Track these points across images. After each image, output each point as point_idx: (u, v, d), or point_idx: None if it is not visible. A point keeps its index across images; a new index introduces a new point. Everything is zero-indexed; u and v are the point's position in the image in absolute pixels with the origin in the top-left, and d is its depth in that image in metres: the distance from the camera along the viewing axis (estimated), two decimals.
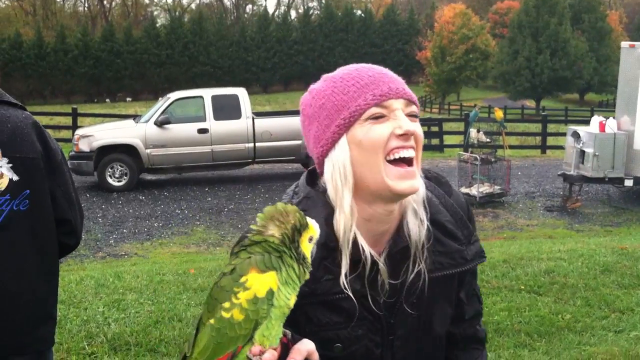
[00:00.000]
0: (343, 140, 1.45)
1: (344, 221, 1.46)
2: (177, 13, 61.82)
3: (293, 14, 64.36)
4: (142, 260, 9.42)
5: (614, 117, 14.44)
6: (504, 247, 8.76)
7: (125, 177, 14.99)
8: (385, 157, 1.42)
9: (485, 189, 13.56)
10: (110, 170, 14.93)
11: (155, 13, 68.54)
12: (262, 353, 1.26)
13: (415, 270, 1.51)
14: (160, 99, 17.05)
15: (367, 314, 1.52)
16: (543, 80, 47.58)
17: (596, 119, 14.31)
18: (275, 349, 1.29)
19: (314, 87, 1.59)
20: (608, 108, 35.40)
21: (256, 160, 16.05)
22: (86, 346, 4.94)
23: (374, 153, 1.42)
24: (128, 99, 54.66)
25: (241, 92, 16.18)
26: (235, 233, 11.22)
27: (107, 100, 53.94)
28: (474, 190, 13.38)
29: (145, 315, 5.65)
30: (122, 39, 57.67)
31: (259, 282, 1.24)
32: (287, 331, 1.35)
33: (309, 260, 1.32)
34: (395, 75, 1.49)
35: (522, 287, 6.42)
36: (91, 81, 55.82)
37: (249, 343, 1.27)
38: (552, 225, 11.90)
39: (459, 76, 55.30)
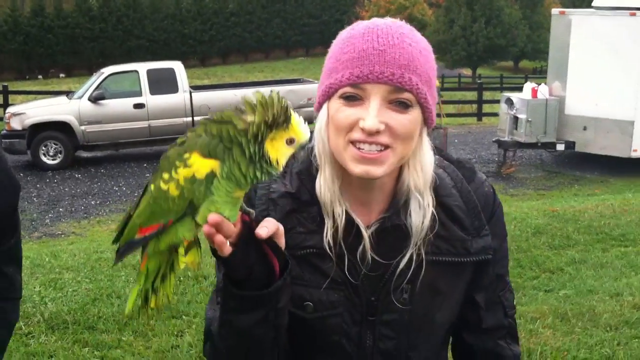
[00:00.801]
0: (325, 106, 1.41)
1: (323, 180, 1.42)
2: None
3: None
4: (79, 239, 9.31)
5: (545, 83, 14.78)
6: None
7: (59, 155, 14.69)
8: (347, 140, 1.35)
9: None
10: (44, 148, 14.61)
11: None
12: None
13: (409, 254, 1.43)
14: (94, 74, 16.70)
15: (344, 279, 1.44)
16: (478, 48, 48.19)
17: (529, 86, 14.64)
18: (234, 225, 1.23)
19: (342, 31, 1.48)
20: (542, 75, 36.11)
21: None
22: (23, 326, 4.88)
23: (338, 133, 1.37)
24: (61, 75, 53.23)
25: (177, 66, 15.99)
26: None
27: (40, 77, 52.43)
28: None
29: (82, 293, 5.61)
30: (53, 14, 55.96)
31: (201, 163, 1.19)
32: (251, 210, 1.29)
33: (280, 163, 1.22)
34: (397, 54, 1.33)
35: None
36: (22, 57, 54.11)
37: (183, 220, 1.23)
38: None
39: None
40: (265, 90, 1.23)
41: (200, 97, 15.84)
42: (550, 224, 7.63)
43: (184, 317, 5.11)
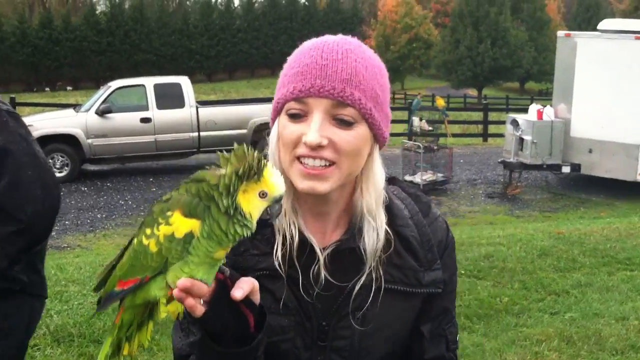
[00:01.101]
0: (276, 121, 1.41)
1: None
2: (117, 0, 60.67)
3: (236, 1, 63.86)
4: (85, 252, 9.31)
5: (551, 105, 14.82)
6: None
7: (66, 168, 14.73)
8: (293, 155, 1.36)
9: (429, 176, 13.78)
10: (50, 160, 14.64)
11: (95, 0, 67.17)
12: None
13: (364, 277, 1.42)
14: (101, 87, 16.78)
15: (296, 303, 1.43)
16: (484, 69, 48.38)
17: (534, 107, 14.67)
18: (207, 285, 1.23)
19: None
20: (547, 96, 36.19)
21: (201, 149, 15.94)
22: None
23: (285, 150, 1.37)
24: (68, 87, 53.50)
25: (184, 81, 16.05)
26: None
27: (47, 89, 52.70)
28: (417, 178, 13.58)
29: (88, 306, 5.61)
30: (61, 26, 56.35)
31: (181, 222, 1.19)
32: (226, 268, 1.28)
33: (253, 216, 1.21)
34: (340, 69, 1.34)
35: (463, 271, 6.58)
36: (30, 69, 54.44)
37: (159, 277, 1.23)
38: (493, 211, 12.19)
39: (402, 65, 55.76)
40: (238, 146, 1.21)
41: (207, 112, 15.90)
42: (555, 246, 7.62)
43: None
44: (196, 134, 15.63)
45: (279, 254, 1.41)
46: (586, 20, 55.00)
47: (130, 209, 12.19)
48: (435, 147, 14.21)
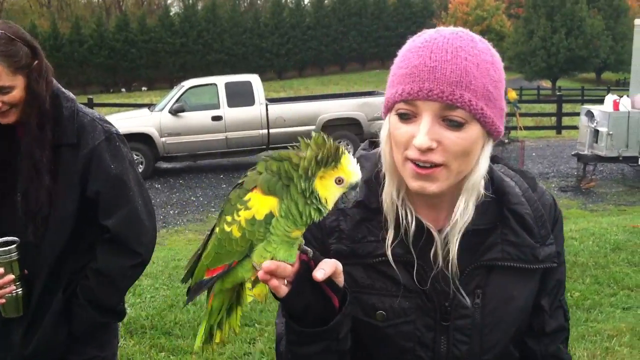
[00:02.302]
0: (387, 118, 1.43)
1: (389, 188, 1.45)
2: (190, 1, 61.82)
3: None
4: (158, 248, 9.52)
5: (628, 95, 14.35)
6: None
7: (141, 166, 15.11)
8: (405, 156, 1.38)
9: None
10: None
11: (169, 1, 68.66)
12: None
13: (451, 258, 1.43)
14: (174, 87, 17.17)
15: (415, 287, 1.46)
16: (559, 60, 47.16)
17: (610, 98, 14.22)
18: (292, 265, 1.28)
19: None
20: (625, 87, 35.05)
21: (270, 146, 16.12)
22: None
23: (397, 148, 1.40)
24: (143, 88, 54.86)
25: (254, 79, 16.25)
26: None
27: (123, 90, 54.19)
28: None
29: (160, 299, 5.78)
30: (137, 29, 57.85)
31: (260, 204, 1.22)
32: (309, 249, 1.31)
33: (329, 202, 1.25)
34: (449, 71, 1.32)
35: None
36: (107, 71, 56.07)
37: (246, 260, 1.27)
38: (566, 205, 11.89)
39: None
40: (318, 134, 1.26)
41: (276, 109, 16.07)
42: (630, 240, 7.41)
43: (256, 325, 5.21)
44: (265, 131, 15.81)
45: (396, 241, 1.45)
46: None
47: (202, 206, 12.43)
48: (507, 141, 13.98)
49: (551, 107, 25.74)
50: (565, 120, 22.19)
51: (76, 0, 74.31)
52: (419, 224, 1.45)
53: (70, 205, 2.31)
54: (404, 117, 1.36)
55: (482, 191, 1.45)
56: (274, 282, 1.25)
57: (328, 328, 1.32)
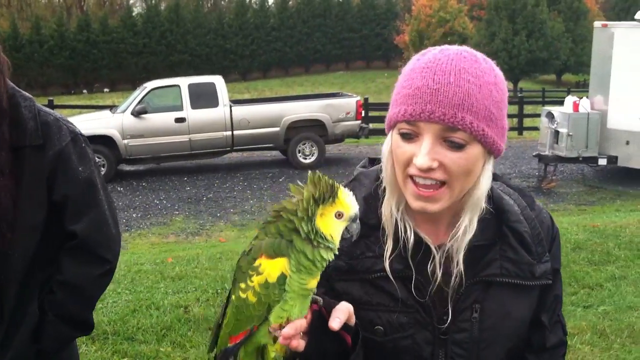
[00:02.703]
0: (390, 134, 1.45)
1: (389, 203, 1.47)
2: (153, 1, 61.29)
3: (270, 0, 64.00)
4: (120, 251, 9.44)
5: (587, 97, 14.59)
6: None
7: (102, 169, 14.95)
8: (406, 174, 1.41)
9: None
10: None
11: (132, 2, 67.96)
12: (281, 328, 1.27)
13: (454, 273, 1.46)
14: (137, 88, 17.01)
15: (413, 301, 1.48)
16: (520, 61, 47.75)
17: (570, 99, 14.46)
18: (305, 317, 1.30)
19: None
20: (585, 88, 35.63)
21: (234, 148, 16.07)
22: None
23: (398, 167, 1.42)
24: (106, 89, 54.19)
25: (218, 80, 16.18)
26: (214, 222, 11.27)
27: (85, 91, 53.46)
28: None
29: (122, 304, 5.71)
30: (98, 29, 57.10)
31: (271, 267, 1.25)
32: (319, 297, 1.33)
33: (334, 238, 1.27)
34: (451, 93, 1.34)
35: None
36: (68, 72, 55.25)
37: (265, 323, 1.30)
38: None
39: None
40: (311, 174, 1.28)
41: (240, 111, 16.02)
42: (590, 240, 7.53)
43: None
44: (230, 132, 15.75)
45: (394, 255, 1.47)
46: (625, 10, 53.96)
47: (165, 209, 12.33)
48: None
49: (512, 109, 26.03)
50: (527, 122, 22.49)
51: (36, 0, 73.21)
52: (418, 238, 1.47)
53: (39, 210, 2.17)
54: (406, 137, 1.39)
55: (484, 206, 1.47)
56: (294, 342, 1.28)
57: None
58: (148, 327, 5.17)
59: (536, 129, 18.18)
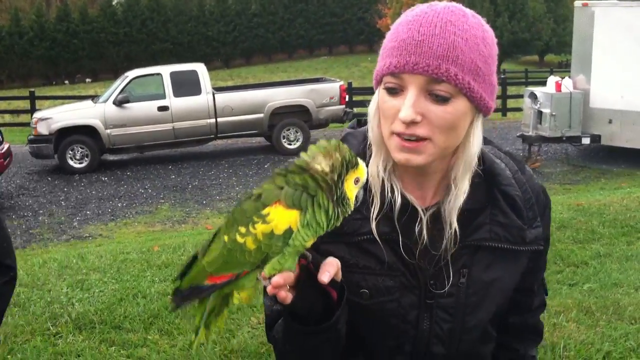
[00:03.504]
0: (376, 92, 1.43)
1: (376, 163, 1.44)
2: None
3: None
4: (106, 241, 9.42)
5: (570, 77, 14.65)
6: None
7: (86, 159, 14.88)
8: (391, 130, 1.38)
9: None
10: (70, 152, 14.81)
11: None
12: (271, 277, 1.25)
13: (447, 236, 1.44)
14: (119, 78, 16.90)
15: (400, 265, 1.46)
16: (503, 43, 47.74)
17: (552, 79, 14.52)
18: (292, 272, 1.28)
19: None
20: (567, 68, 35.78)
21: (219, 135, 16.01)
22: (50, 327, 4.97)
23: (384, 122, 1.39)
24: (87, 79, 53.78)
25: (200, 68, 16.10)
26: (200, 209, 11.24)
27: (66, 82, 52.99)
28: None
29: (109, 293, 5.69)
30: (78, 19, 56.53)
31: (280, 218, 1.21)
32: (307, 253, 1.31)
33: (352, 203, 1.27)
34: (436, 45, 1.31)
35: None
36: (48, 63, 54.73)
37: (255, 270, 1.26)
38: None
39: None
40: (321, 141, 1.26)
41: (223, 98, 15.95)
42: (575, 218, 7.57)
43: None
44: (213, 120, 15.69)
45: (380, 216, 1.44)
46: None
47: (150, 197, 12.28)
48: None
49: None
50: (510, 103, 22.57)
51: None
52: (404, 200, 1.45)
53: None
54: (392, 91, 1.36)
55: (475, 168, 1.44)
56: (282, 293, 1.25)
57: (330, 324, 1.34)
58: (135, 316, 5.15)
59: (520, 109, 18.24)
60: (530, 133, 14.08)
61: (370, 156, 1.47)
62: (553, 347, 4.46)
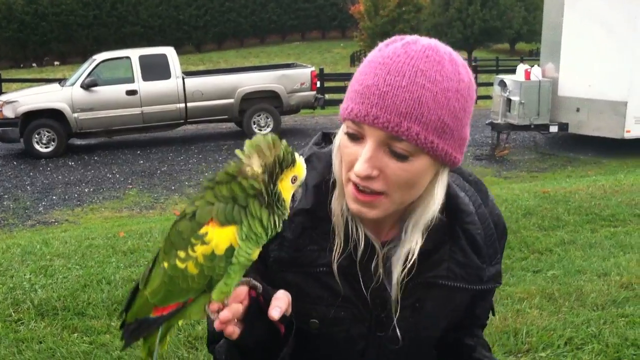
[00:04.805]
0: (342, 126, 1.35)
1: (339, 199, 1.38)
2: None
3: None
4: (72, 227, 9.31)
5: (539, 65, 14.76)
6: None
7: (53, 143, 14.68)
8: (348, 177, 1.32)
9: None
10: (37, 136, 14.59)
11: None
12: (220, 310, 1.20)
13: (403, 274, 1.40)
14: (86, 61, 16.67)
15: (354, 297, 1.43)
16: (474, 31, 48.04)
17: (522, 67, 14.62)
18: (241, 302, 1.23)
19: None
20: (537, 57, 36.05)
21: (188, 120, 15.89)
22: (12, 313, 4.90)
23: (343, 165, 1.33)
24: (56, 62, 53.04)
25: (169, 51, 15.93)
26: (168, 195, 11.16)
27: (34, 65, 52.26)
28: None
29: (73, 279, 5.62)
30: (47, 1, 55.69)
31: (219, 238, 1.14)
32: (258, 285, 1.27)
33: (287, 204, 1.20)
34: (400, 99, 1.22)
35: None
36: (16, 46, 53.88)
37: (202, 296, 1.21)
38: (480, 173, 12.19)
39: (392, 30, 55.10)
40: (257, 137, 1.18)
41: (193, 82, 15.82)
42: (540, 206, 7.64)
43: None
44: (183, 105, 15.56)
45: (344, 253, 1.40)
46: None
47: (118, 182, 12.16)
48: None
49: None
50: (481, 90, 22.62)
51: None
52: (365, 237, 1.41)
53: None
54: (352, 137, 1.29)
55: (437, 215, 1.38)
56: (229, 328, 1.21)
57: (280, 358, 1.32)
58: (99, 302, 5.09)
59: (490, 97, 18.36)
60: (499, 121, 14.19)
61: (334, 185, 1.41)
62: (516, 333, 4.50)
